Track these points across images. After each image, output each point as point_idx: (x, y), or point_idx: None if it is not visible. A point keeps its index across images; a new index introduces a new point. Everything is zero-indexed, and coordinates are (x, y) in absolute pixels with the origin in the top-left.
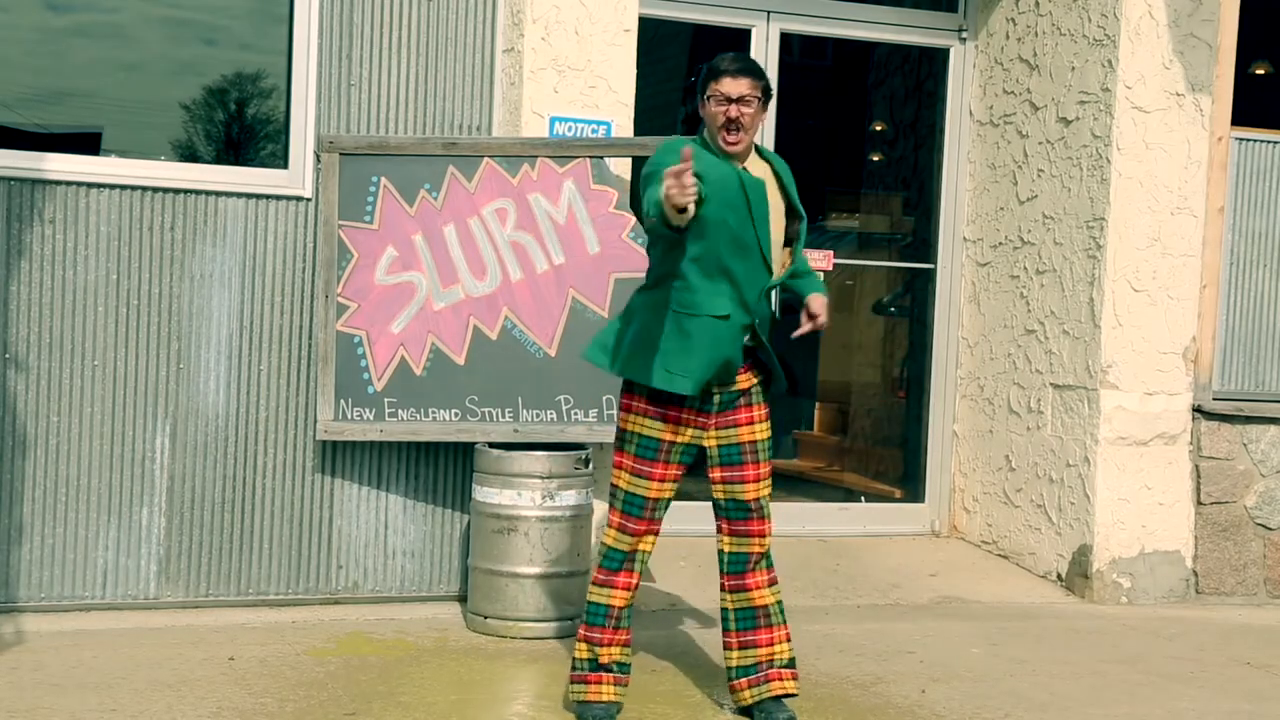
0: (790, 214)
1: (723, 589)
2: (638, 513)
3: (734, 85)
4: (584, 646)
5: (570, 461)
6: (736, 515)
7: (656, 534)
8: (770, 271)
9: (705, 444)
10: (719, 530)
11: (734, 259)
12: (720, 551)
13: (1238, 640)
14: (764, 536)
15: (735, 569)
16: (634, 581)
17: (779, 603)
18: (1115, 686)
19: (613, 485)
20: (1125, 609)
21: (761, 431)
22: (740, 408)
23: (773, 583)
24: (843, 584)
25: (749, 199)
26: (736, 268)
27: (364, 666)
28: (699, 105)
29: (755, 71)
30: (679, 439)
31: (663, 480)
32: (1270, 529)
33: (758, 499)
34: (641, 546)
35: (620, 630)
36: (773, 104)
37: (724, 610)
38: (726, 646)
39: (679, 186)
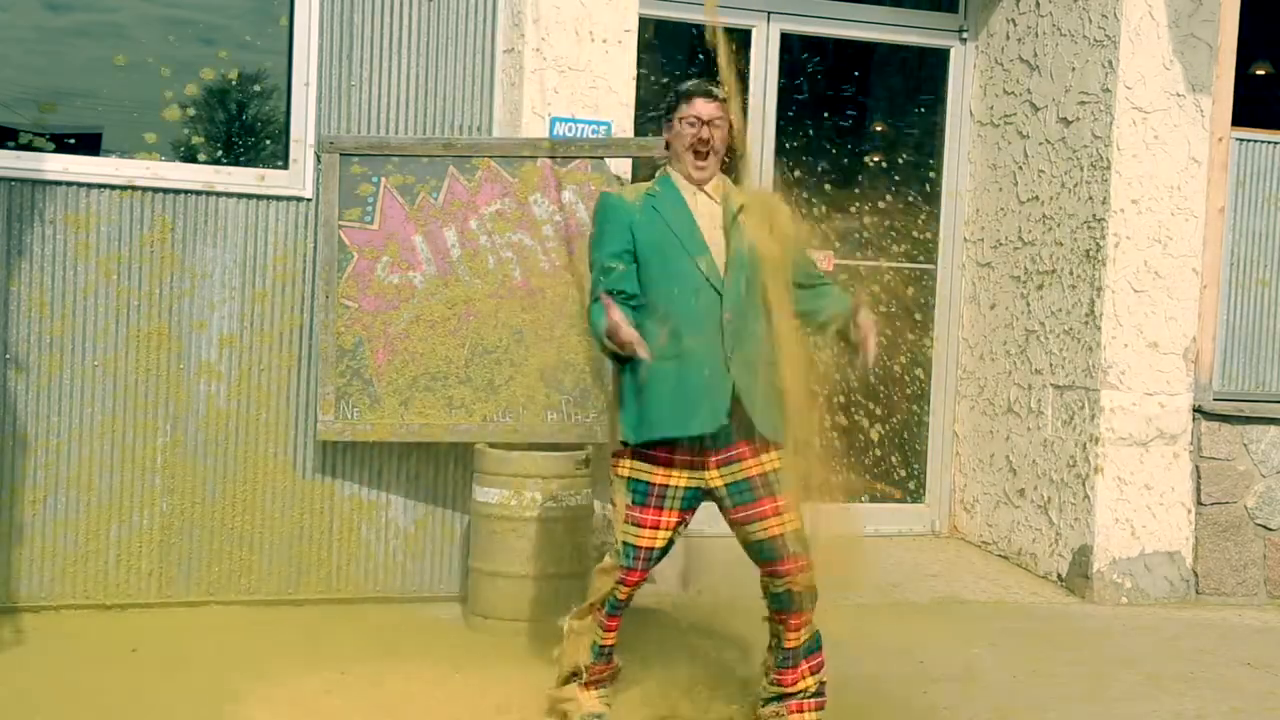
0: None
1: (770, 619)
2: (629, 563)
3: (706, 108)
4: (569, 665)
5: (570, 461)
6: (766, 556)
7: (643, 580)
8: (724, 306)
9: (711, 485)
10: (759, 569)
11: (681, 301)
12: (763, 587)
13: (1238, 640)
14: (801, 573)
15: (780, 607)
16: (621, 622)
17: (813, 636)
18: (1116, 686)
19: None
20: (1125, 609)
21: (770, 462)
22: (741, 440)
23: (809, 620)
24: (842, 584)
25: (681, 239)
26: (684, 309)
27: (364, 665)
28: (666, 129)
29: (723, 99)
30: (672, 482)
31: (655, 528)
32: (1270, 529)
33: (783, 535)
34: (634, 593)
35: (610, 662)
36: (773, 104)
37: (770, 635)
38: (765, 668)
39: (627, 348)
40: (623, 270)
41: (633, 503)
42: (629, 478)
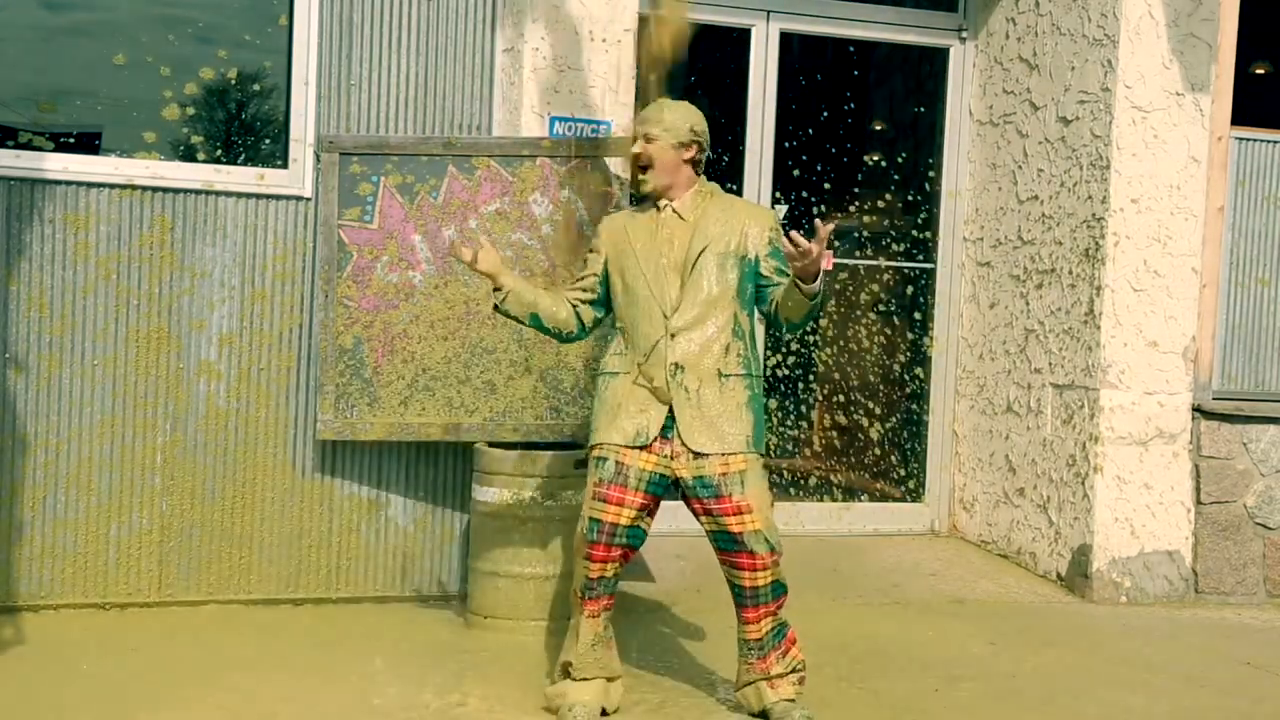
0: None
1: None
2: (594, 537)
3: (641, 125)
4: (562, 659)
5: (570, 461)
6: (725, 547)
7: (622, 562)
8: (665, 320)
9: (679, 474)
10: (718, 557)
11: (633, 312)
12: (725, 575)
13: (1237, 640)
14: (756, 571)
15: (736, 599)
16: (602, 605)
17: (776, 627)
18: (1115, 686)
19: (581, 517)
20: (1125, 608)
21: (736, 463)
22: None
23: (772, 614)
24: (843, 583)
25: (638, 257)
26: (637, 321)
27: (362, 664)
28: None
29: (659, 117)
30: (640, 464)
31: (620, 505)
32: (1270, 529)
33: (742, 533)
34: (605, 574)
35: (597, 655)
36: (772, 103)
37: (738, 628)
38: (740, 657)
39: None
40: (585, 284)
41: (600, 479)
42: (599, 456)
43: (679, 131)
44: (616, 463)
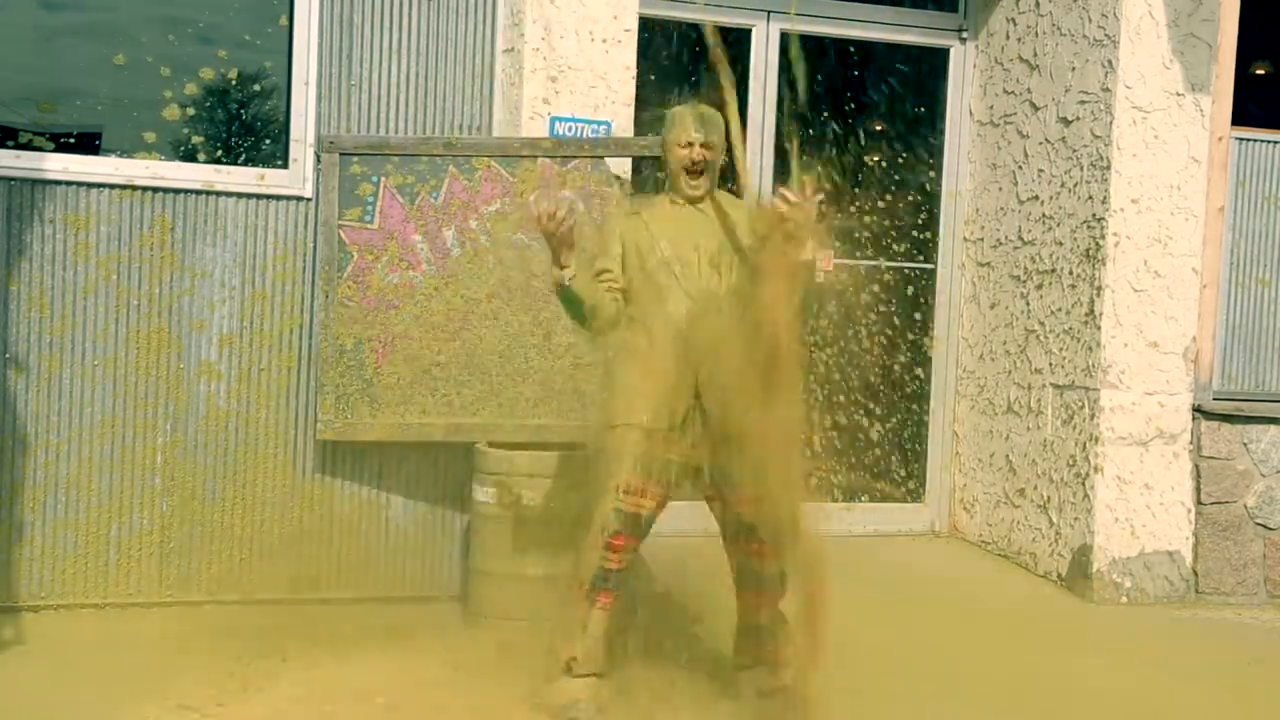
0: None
1: (737, 596)
2: (617, 526)
3: (699, 133)
4: (562, 656)
5: (570, 461)
6: (740, 533)
7: (633, 552)
8: (691, 309)
9: (697, 462)
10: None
11: (654, 299)
12: (732, 565)
13: (1238, 640)
14: (770, 558)
15: (746, 585)
16: (612, 598)
17: (777, 614)
18: (1116, 686)
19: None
20: (1125, 609)
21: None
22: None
23: (777, 600)
24: (843, 584)
25: (660, 247)
26: (657, 309)
27: (363, 665)
28: (662, 150)
29: (715, 124)
30: (660, 453)
31: (642, 495)
32: (1270, 529)
33: (756, 520)
34: (623, 565)
35: (602, 649)
36: (772, 104)
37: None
38: (741, 645)
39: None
40: (612, 278)
41: (622, 470)
42: (621, 448)
43: (724, 138)
44: (638, 453)
